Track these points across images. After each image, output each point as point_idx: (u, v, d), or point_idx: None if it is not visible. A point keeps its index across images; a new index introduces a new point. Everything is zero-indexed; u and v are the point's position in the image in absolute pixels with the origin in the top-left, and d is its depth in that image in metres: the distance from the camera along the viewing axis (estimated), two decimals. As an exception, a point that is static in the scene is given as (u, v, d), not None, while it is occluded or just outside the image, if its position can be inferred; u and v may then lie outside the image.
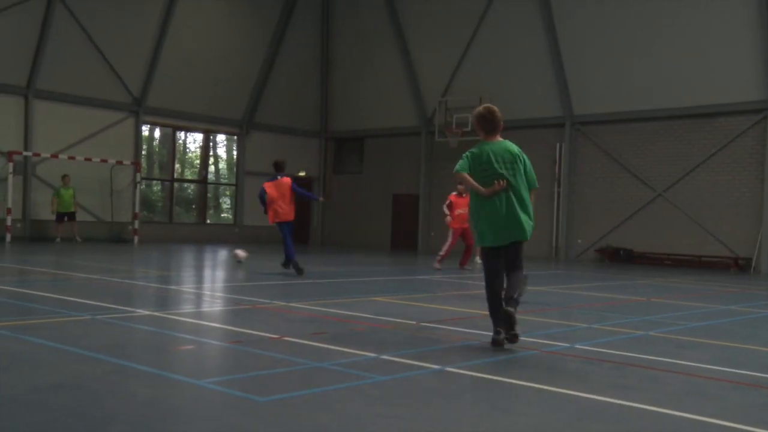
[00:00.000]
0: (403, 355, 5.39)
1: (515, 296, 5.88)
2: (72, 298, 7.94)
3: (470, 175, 5.95)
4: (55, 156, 20.43)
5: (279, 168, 12.26)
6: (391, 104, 25.46)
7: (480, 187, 5.92)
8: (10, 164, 19.39)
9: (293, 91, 26.22)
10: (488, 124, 6.08)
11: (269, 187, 12.10)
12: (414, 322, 7.12)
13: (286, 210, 12.06)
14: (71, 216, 20.25)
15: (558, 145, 21.59)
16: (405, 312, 7.92)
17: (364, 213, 26.48)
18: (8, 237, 19.06)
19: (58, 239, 19.84)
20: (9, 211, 19.28)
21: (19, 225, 20.11)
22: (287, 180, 12.16)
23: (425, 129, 24.46)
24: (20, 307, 7.39)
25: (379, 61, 25.59)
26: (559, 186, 21.51)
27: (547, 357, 5.59)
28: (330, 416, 3.75)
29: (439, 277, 13.27)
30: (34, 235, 20.25)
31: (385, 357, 5.28)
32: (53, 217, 20.11)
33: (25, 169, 20.31)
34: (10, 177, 19.35)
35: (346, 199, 27.00)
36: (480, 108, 6.18)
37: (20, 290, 8.81)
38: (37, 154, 20.30)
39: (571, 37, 21.04)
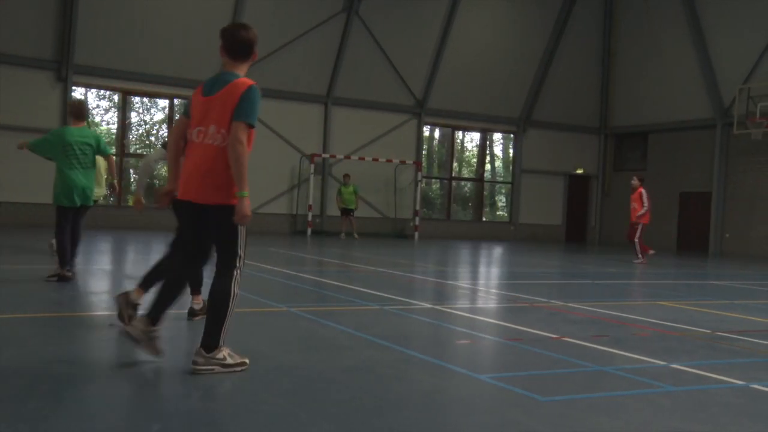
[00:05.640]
0: (698, 365, 4.95)
1: None
2: (362, 289, 8.58)
3: None
4: (347, 157, 22.31)
5: None
6: (681, 95, 23.58)
7: None
8: (312, 165, 21.61)
9: (572, 86, 25.55)
10: None
11: None
12: (708, 331, 6.51)
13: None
14: (349, 212, 21.54)
15: None
16: (696, 319, 7.28)
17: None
18: (309, 231, 21.27)
19: (343, 234, 21.29)
20: (310, 207, 21.51)
21: (317, 220, 22.32)
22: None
23: (721, 121, 22.23)
24: (319, 294, 8.17)
25: (668, 50, 23.82)
26: None
27: None
28: (617, 423, 3.56)
29: (735, 283, 11.98)
30: (330, 230, 22.24)
31: (675, 366, 4.90)
32: (339, 213, 21.78)
33: (323, 170, 22.48)
34: (312, 177, 21.57)
35: (627, 198, 25.58)
36: None
37: (319, 279, 9.76)
38: (333, 156, 22.35)
39: None
